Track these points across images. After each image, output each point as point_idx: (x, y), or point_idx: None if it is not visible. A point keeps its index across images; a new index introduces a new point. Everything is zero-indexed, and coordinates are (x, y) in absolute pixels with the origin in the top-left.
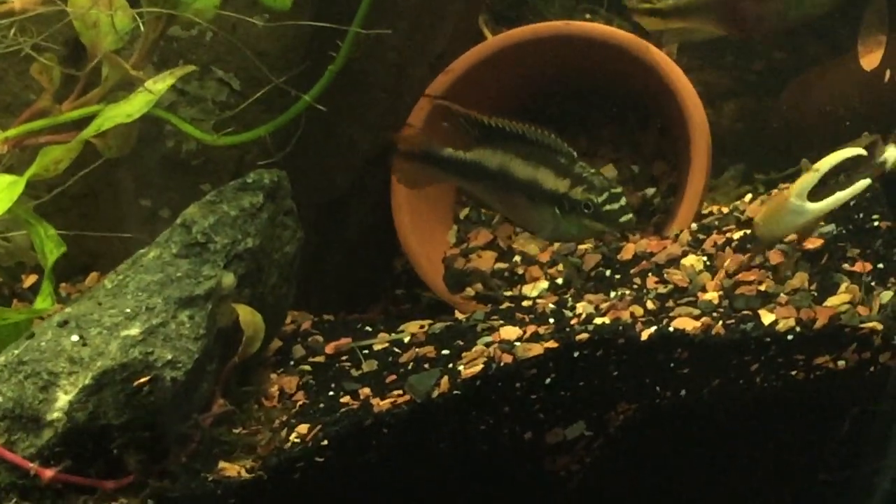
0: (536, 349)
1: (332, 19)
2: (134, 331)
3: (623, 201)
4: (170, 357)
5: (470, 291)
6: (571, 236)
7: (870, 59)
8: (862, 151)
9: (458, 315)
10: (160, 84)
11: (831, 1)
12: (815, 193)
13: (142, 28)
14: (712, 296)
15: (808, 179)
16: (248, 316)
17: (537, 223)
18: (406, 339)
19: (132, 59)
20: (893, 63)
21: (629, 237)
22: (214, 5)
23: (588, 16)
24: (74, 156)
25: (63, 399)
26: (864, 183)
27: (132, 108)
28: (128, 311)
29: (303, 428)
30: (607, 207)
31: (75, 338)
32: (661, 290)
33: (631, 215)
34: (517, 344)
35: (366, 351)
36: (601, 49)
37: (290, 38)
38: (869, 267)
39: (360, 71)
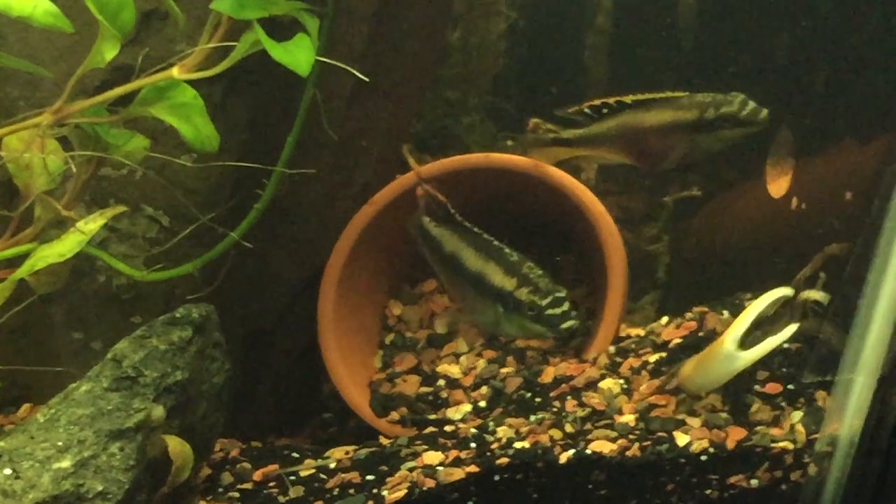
0: (458, 473)
1: (258, 158)
2: (66, 463)
3: (566, 306)
4: (101, 488)
5: (395, 416)
6: (511, 334)
7: (777, 187)
8: (788, 292)
9: (383, 440)
10: (91, 224)
11: (733, 138)
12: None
13: (73, 169)
14: (629, 418)
15: (739, 326)
16: (177, 446)
17: (480, 315)
18: (332, 465)
19: (64, 199)
20: (801, 190)
21: (550, 360)
22: (144, 147)
23: (509, 142)
24: (8, 294)
25: None
26: (792, 328)
27: (64, 247)
28: (60, 443)
29: None
30: (549, 311)
31: (8, 471)
32: (580, 413)
33: (572, 322)
34: (439, 468)
35: (293, 477)
36: (520, 178)
37: (217, 177)
38: (779, 388)
39: (286, 205)
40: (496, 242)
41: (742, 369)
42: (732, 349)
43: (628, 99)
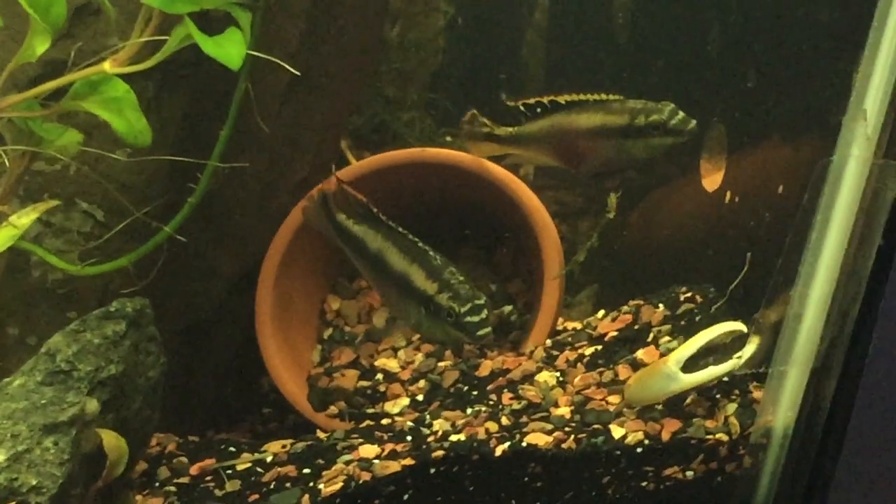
0: (394, 466)
1: (192, 153)
2: None
3: (484, 314)
4: (34, 482)
5: (334, 410)
6: (432, 337)
7: (711, 181)
8: (741, 327)
9: (320, 434)
10: (24, 219)
11: (661, 146)
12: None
13: (6, 164)
14: (564, 411)
15: (686, 349)
16: (112, 440)
17: (404, 314)
18: (268, 459)
19: None
20: (734, 184)
21: (487, 354)
22: (77, 141)
23: (448, 139)
24: None
25: None
26: (736, 363)
27: None
28: None
29: None
30: (468, 319)
31: None
32: (516, 405)
33: (489, 329)
34: (375, 462)
35: (229, 471)
36: (456, 173)
37: (151, 171)
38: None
39: (222, 200)
40: (420, 244)
41: (680, 391)
42: (674, 370)
43: (562, 99)
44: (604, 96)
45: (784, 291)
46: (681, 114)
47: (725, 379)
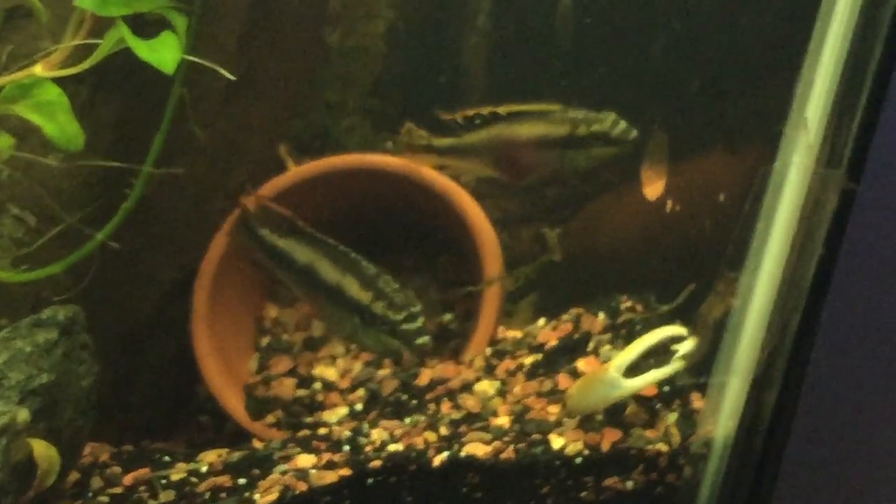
0: (330, 477)
1: (127, 158)
2: None
3: (420, 322)
4: None
5: (271, 419)
6: (368, 347)
7: (652, 189)
8: (683, 331)
9: (256, 443)
10: None
11: (603, 156)
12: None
13: None
14: (504, 420)
15: (627, 355)
16: (42, 450)
17: (337, 326)
18: (203, 469)
19: None
20: (675, 192)
21: (426, 363)
22: (9, 146)
23: (389, 144)
24: None
25: None
26: (678, 365)
27: None
28: None
29: None
30: (404, 326)
31: None
32: (455, 415)
33: (426, 338)
34: (312, 472)
35: (164, 481)
36: (395, 180)
37: (84, 177)
38: (654, 390)
39: (157, 205)
40: (352, 254)
41: (622, 397)
42: (616, 376)
43: (502, 110)
44: (544, 106)
45: (725, 290)
46: (623, 123)
47: (666, 388)
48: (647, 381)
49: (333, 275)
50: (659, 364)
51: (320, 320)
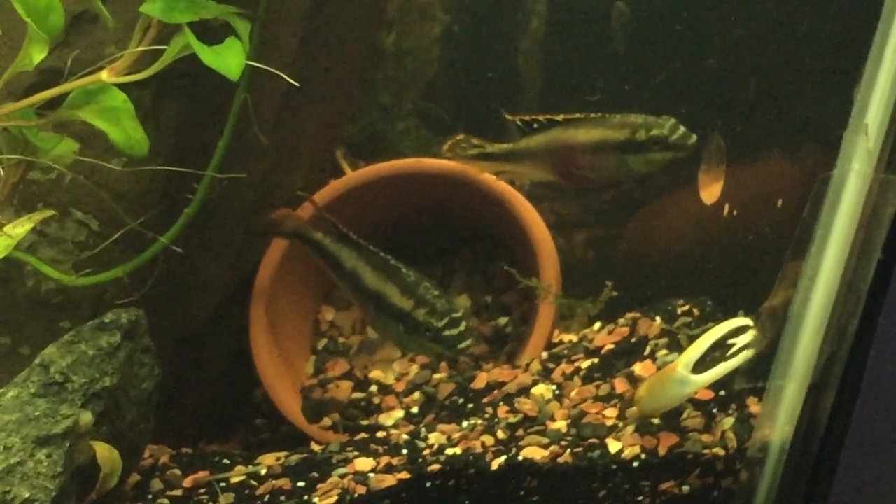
0: (389, 480)
1: (189, 162)
2: None
3: (462, 327)
4: (27, 495)
5: (327, 422)
6: (414, 351)
7: (709, 193)
8: (747, 322)
9: (314, 446)
10: (19, 229)
11: (661, 161)
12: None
13: (1, 173)
14: (560, 424)
15: (694, 351)
16: (105, 452)
17: (384, 332)
18: (262, 472)
19: None
20: (732, 197)
21: (482, 366)
22: (73, 150)
23: (446, 148)
24: None
25: None
26: (747, 354)
27: None
28: None
29: None
30: (447, 332)
31: None
32: (512, 419)
33: (469, 341)
34: (371, 475)
35: (223, 484)
36: (451, 183)
37: (147, 181)
38: (711, 395)
39: (217, 210)
40: (393, 262)
41: (694, 393)
42: (685, 373)
43: (560, 117)
44: (602, 116)
45: (790, 280)
46: (682, 128)
47: (722, 392)
48: (716, 374)
49: (376, 282)
50: (726, 357)
51: (370, 326)
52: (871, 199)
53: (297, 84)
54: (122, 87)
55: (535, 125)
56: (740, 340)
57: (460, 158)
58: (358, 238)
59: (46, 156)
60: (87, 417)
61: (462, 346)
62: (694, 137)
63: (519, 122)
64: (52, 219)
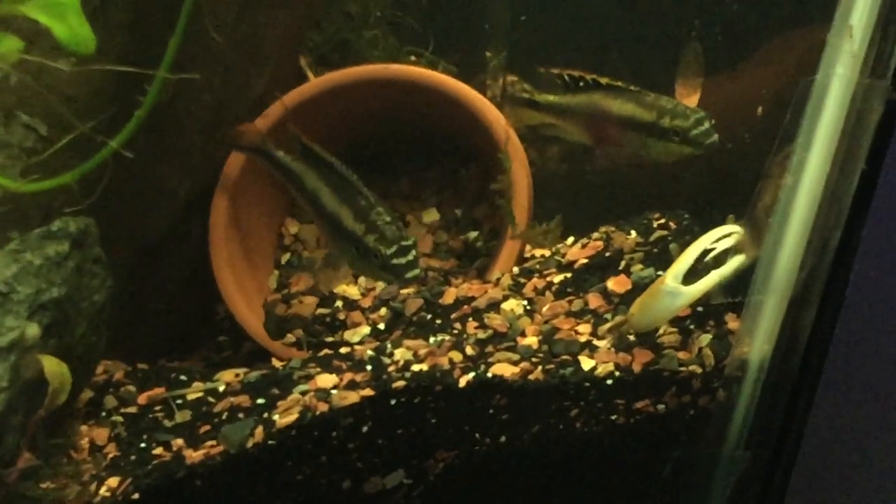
0: (352, 397)
1: (140, 64)
2: None
3: (411, 255)
4: None
5: (291, 338)
6: (366, 276)
7: (688, 103)
8: (735, 228)
9: (275, 363)
10: None
11: (678, 153)
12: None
13: None
14: (531, 341)
15: (682, 263)
16: (53, 367)
17: (340, 253)
18: (221, 388)
19: None
20: (711, 106)
21: (451, 281)
22: (18, 49)
23: (413, 58)
24: None
25: None
26: (737, 261)
27: None
28: None
29: (113, 481)
30: (395, 261)
31: None
32: (481, 335)
33: (417, 271)
34: (333, 392)
35: (179, 401)
36: (421, 91)
37: (97, 83)
38: (688, 311)
39: (174, 114)
40: (352, 180)
41: (686, 304)
42: (675, 285)
43: (603, 80)
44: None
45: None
46: (706, 125)
47: (700, 309)
48: (708, 283)
49: (333, 204)
50: (717, 264)
51: (328, 246)
52: (854, 106)
53: None
54: None
55: (581, 83)
56: (725, 243)
57: (510, 101)
58: (321, 152)
59: None
60: (33, 330)
61: (409, 275)
62: (715, 138)
63: (567, 77)
64: None
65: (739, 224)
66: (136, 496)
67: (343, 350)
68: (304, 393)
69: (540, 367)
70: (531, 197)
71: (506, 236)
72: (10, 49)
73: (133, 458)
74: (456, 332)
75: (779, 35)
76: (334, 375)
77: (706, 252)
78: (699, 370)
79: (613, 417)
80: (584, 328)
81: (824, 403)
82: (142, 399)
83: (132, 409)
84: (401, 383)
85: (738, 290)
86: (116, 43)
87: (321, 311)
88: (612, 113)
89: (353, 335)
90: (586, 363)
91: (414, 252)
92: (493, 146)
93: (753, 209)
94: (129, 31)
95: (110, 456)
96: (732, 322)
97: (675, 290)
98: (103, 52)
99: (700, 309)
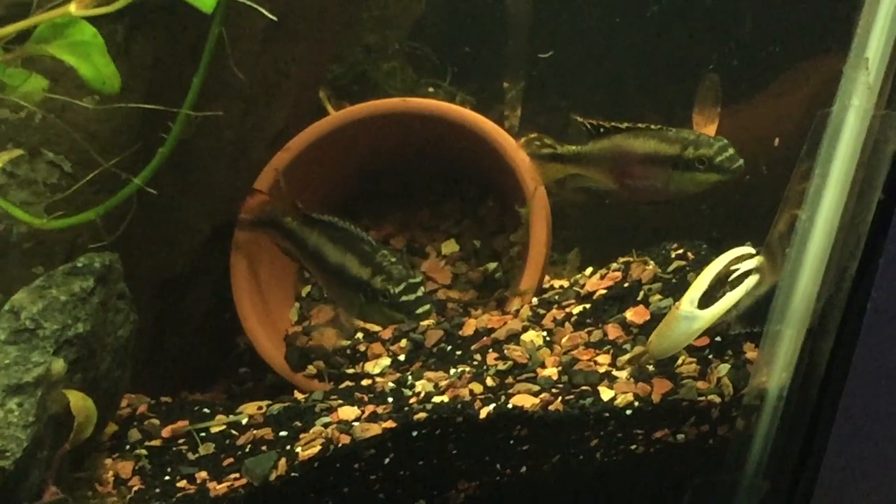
0: (374, 429)
1: (163, 101)
2: None
3: (420, 292)
4: None
5: (312, 370)
6: (375, 321)
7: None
8: (749, 250)
9: (297, 395)
10: None
11: (705, 182)
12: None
13: None
14: (551, 371)
15: (697, 287)
16: (79, 401)
17: (347, 305)
18: (244, 421)
19: None
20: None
21: (471, 312)
22: (42, 88)
23: (430, 90)
24: None
25: None
26: (751, 282)
27: None
28: None
29: None
30: (404, 298)
31: None
32: (501, 366)
33: (428, 306)
34: (355, 424)
35: (203, 434)
36: (439, 124)
37: (120, 120)
38: (707, 340)
39: (196, 150)
40: (354, 231)
41: (704, 328)
42: (690, 309)
43: (622, 124)
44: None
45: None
46: (730, 151)
47: (718, 338)
48: (723, 305)
49: (337, 255)
50: (732, 287)
51: (334, 302)
52: (871, 137)
53: (275, 18)
54: (93, 20)
55: (602, 129)
56: (743, 266)
57: (533, 156)
58: (319, 216)
59: (15, 92)
60: (59, 365)
61: (419, 311)
62: (740, 162)
63: (588, 126)
64: (22, 159)
65: (758, 251)
66: None
67: (364, 382)
68: (326, 425)
69: (560, 398)
70: (550, 230)
71: (525, 268)
72: (36, 88)
73: (157, 490)
74: (476, 363)
75: (794, 67)
76: (356, 407)
77: (726, 277)
78: (718, 400)
79: (633, 447)
80: (604, 359)
81: (842, 433)
82: (165, 432)
83: (156, 442)
84: (422, 415)
85: (756, 320)
86: (140, 80)
87: (341, 342)
88: (636, 152)
89: (373, 367)
90: (606, 393)
91: (422, 289)
92: (512, 177)
93: (771, 237)
94: (152, 68)
95: (135, 489)
96: (751, 352)
97: (691, 314)
98: (127, 90)
99: (718, 339)
